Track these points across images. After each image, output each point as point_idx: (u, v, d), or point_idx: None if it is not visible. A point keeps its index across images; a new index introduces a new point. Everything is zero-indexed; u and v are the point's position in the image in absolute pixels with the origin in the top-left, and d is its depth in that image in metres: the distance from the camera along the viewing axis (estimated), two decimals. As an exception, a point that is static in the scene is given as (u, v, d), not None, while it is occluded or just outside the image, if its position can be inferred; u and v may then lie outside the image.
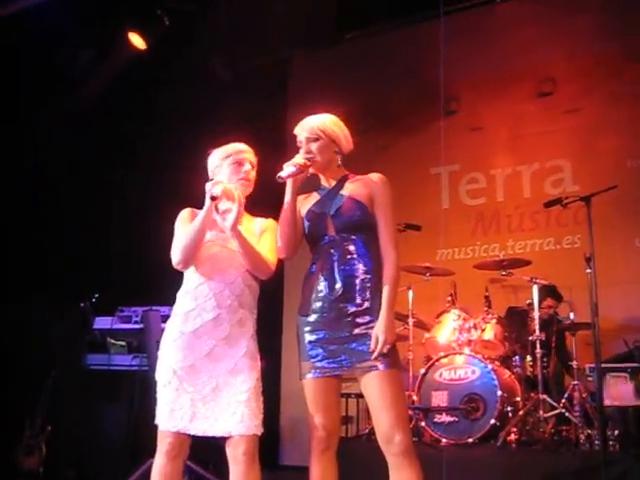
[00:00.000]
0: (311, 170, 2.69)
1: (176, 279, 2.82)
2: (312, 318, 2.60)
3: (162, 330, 2.78)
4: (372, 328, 2.52)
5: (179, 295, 2.77)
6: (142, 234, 5.48)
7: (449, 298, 5.17)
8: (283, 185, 2.64)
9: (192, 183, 3.05)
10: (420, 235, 5.27)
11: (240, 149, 2.86)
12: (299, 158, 2.63)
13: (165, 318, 3.06)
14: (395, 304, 2.55)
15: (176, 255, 2.68)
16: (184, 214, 2.82)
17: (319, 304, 2.58)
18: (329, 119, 2.73)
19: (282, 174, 2.57)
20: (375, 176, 2.72)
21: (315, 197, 2.77)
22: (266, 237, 2.80)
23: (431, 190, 6.37)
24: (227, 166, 2.82)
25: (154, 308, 5.10)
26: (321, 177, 2.79)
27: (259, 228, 2.84)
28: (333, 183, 2.75)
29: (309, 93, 6.06)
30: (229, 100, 6.33)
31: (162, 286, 3.57)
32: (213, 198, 2.63)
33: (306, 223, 2.71)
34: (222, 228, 2.70)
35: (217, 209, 2.68)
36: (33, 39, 5.65)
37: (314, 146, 2.67)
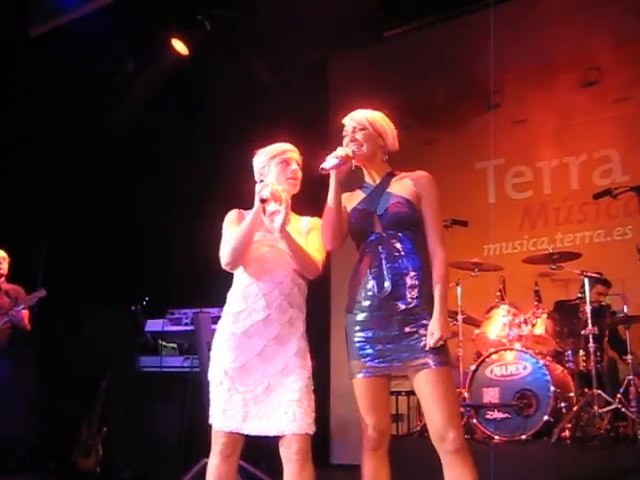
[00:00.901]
0: (354, 162, 2.70)
1: (225, 280, 2.85)
2: (361, 317, 2.60)
3: (212, 332, 2.81)
4: (422, 326, 2.52)
5: (229, 296, 2.79)
6: (191, 236, 5.51)
7: (498, 293, 5.12)
8: (327, 182, 2.65)
9: (239, 184, 3.08)
10: (467, 231, 5.29)
11: (285, 149, 2.88)
12: (342, 150, 2.64)
13: (215, 319, 3.09)
14: (447, 299, 2.56)
15: (225, 256, 2.71)
16: (232, 215, 2.84)
17: (368, 302, 2.59)
18: (379, 114, 2.76)
19: (325, 165, 2.58)
20: (421, 174, 2.72)
21: (360, 195, 2.78)
22: (313, 236, 2.81)
23: (477, 185, 6.33)
24: (274, 166, 2.84)
25: (204, 310, 5.13)
26: (365, 173, 2.80)
27: (306, 227, 2.86)
28: (378, 180, 2.76)
29: (351, 91, 6.01)
30: (272, 102, 6.37)
31: (211, 288, 3.61)
32: (262, 200, 2.65)
33: (352, 220, 2.71)
34: (270, 229, 2.72)
35: (265, 211, 2.69)
36: (77, 51, 5.80)
37: (360, 135, 2.69)
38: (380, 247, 2.61)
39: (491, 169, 6.32)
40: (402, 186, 2.70)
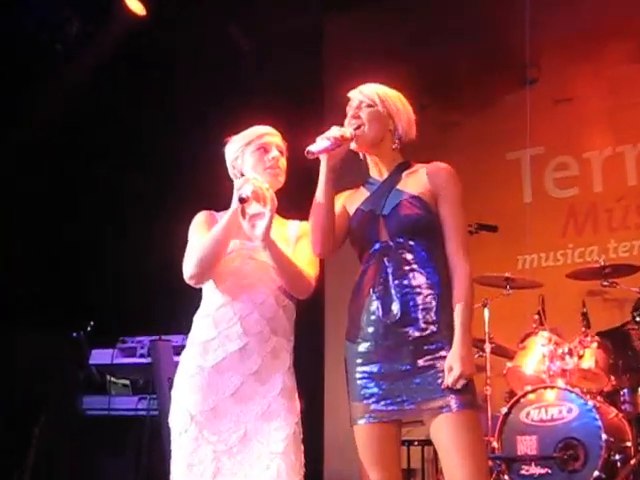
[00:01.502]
0: (355, 147, 2.73)
1: (192, 300, 2.87)
2: (364, 347, 2.61)
3: (175, 365, 2.83)
4: (441, 358, 2.52)
5: (196, 320, 2.80)
6: (149, 244, 5.54)
7: (536, 317, 5.12)
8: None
9: (209, 180, 3.18)
10: (497, 238, 5.25)
11: (263, 132, 2.92)
12: (337, 129, 2.66)
13: (179, 350, 3.12)
14: (471, 326, 2.57)
15: (189, 268, 2.73)
16: (201, 218, 2.88)
17: (371, 329, 2.59)
18: (395, 93, 2.79)
19: (313, 148, 2.61)
20: (440, 166, 2.74)
21: (363, 193, 2.80)
22: (303, 245, 2.83)
23: (509, 180, 6.37)
24: (250, 155, 2.88)
25: (164, 338, 5.14)
26: (370, 165, 2.82)
27: (294, 234, 2.89)
28: (386, 173, 2.78)
29: (349, 63, 6.03)
30: (251, 75, 6.45)
31: (174, 310, 3.65)
32: (242, 200, 2.66)
33: (353, 225, 2.75)
34: (250, 237, 2.74)
35: (244, 213, 2.71)
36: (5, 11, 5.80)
37: (365, 112, 2.73)
38: (386, 258, 2.62)
39: (527, 160, 6.33)
40: (415, 181, 2.72)
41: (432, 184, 2.69)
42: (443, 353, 2.52)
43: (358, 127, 2.70)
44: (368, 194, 2.78)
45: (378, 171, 2.80)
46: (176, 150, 6.37)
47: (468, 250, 2.64)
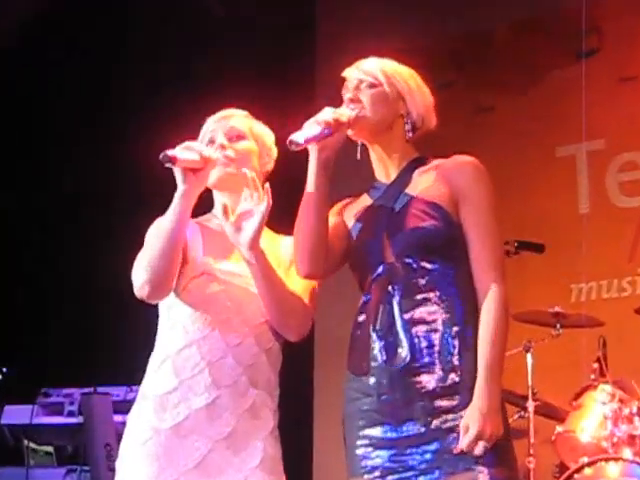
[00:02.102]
0: (354, 136, 2.74)
1: (142, 340, 2.91)
2: (364, 404, 2.61)
3: (117, 427, 2.86)
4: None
5: (150, 366, 2.82)
6: (84, 266, 5.54)
7: (595, 365, 5.07)
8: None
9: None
10: (543, 260, 5.34)
11: (212, 120, 3.00)
12: (330, 112, 2.65)
13: (123, 406, 3.10)
14: (502, 373, 2.55)
15: (139, 274, 2.77)
16: (157, 222, 2.93)
17: (373, 380, 2.60)
18: (406, 69, 2.80)
19: (297, 137, 2.61)
20: (461, 160, 2.75)
21: (366, 202, 2.81)
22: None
23: (559, 183, 6.34)
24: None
25: (100, 390, 5.01)
26: (376, 163, 2.83)
27: (287, 254, 2.90)
28: (394, 172, 2.78)
29: (349, 30, 6.06)
30: (227, 47, 6.46)
31: (116, 353, 3.60)
32: (167, 158, 2.69)
33: (352, 244, 2.76)
34: (234, 243, 2.76)
35: (227, 211, 2.76)
36: None
37: (366, 94, 2.73)
38: (392, 285, 2.64)
39: (583, 157, 6.33)
40: (430, 182, 2.72)
41: (452, 184, 2.69)
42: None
43: (358, 111, 2.70)
44: (371, 201, 2.79)
45: (384, 170, 2.80)
46: (125, 143, 6.34)
47: (503, 271, 2.63)
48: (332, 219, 2.76)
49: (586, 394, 5.03)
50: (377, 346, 2.59)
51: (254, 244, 2.69)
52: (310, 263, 2.69)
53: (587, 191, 6.34)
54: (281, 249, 2.93)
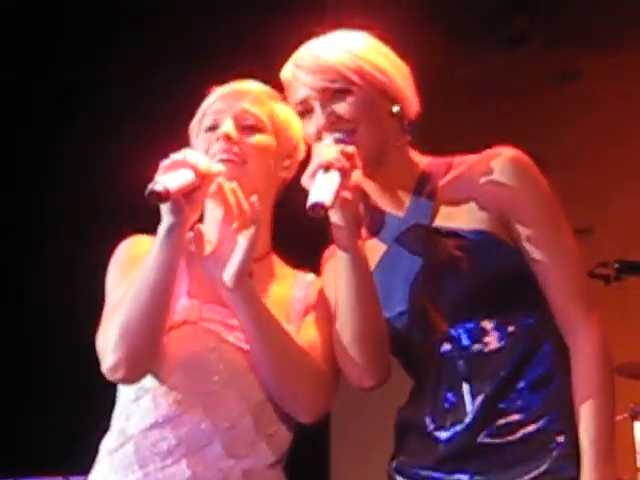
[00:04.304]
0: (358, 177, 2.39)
1: (92, 412, 2.78)
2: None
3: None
4: None
5: (102, 450, 2.49)
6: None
7: None
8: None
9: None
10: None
11: (216, 96, 2.66)
12: (329, 149, 2.33)
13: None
14: (613, 446, 2.35)
15: (109, 350, 2.40)
16: (128, 249, 2.63)
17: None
18: (365, 41, 2.51)
19: (318, 199, 2.22)
20: (497, 158, 2.45)
21: (377, 247, 2.53)
22: (319, 322, 2.55)
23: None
24: (201, 139, 2.64)
25: None
26: (379, 193, 2.55)
27: (302, 298, 2.60)
28: (407, 200, 2.52)
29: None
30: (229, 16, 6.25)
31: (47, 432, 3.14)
32: (156, 196, 2.24)
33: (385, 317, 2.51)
34: (215, 281, 2.44)
35: (201, 238, 2.42)
36: None
37: (343, 106, 2.42)
38: (461, 362, 2.38)
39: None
40: (462, 199, 2.46)
41: (494, 194, 2.41)
42: None
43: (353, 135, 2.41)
44: (385, 247, 2.51)
45: (391, 197, 2.53)
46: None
47: (589, 299, 2.38)
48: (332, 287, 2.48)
49: None
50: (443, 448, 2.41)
51: (240, 281, 2.37)
52: (376, 370, 2.41)
53: None
54: (294, 292, 2.62)
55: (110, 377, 2.43)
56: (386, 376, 2.45)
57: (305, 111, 2.49)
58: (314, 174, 2.28)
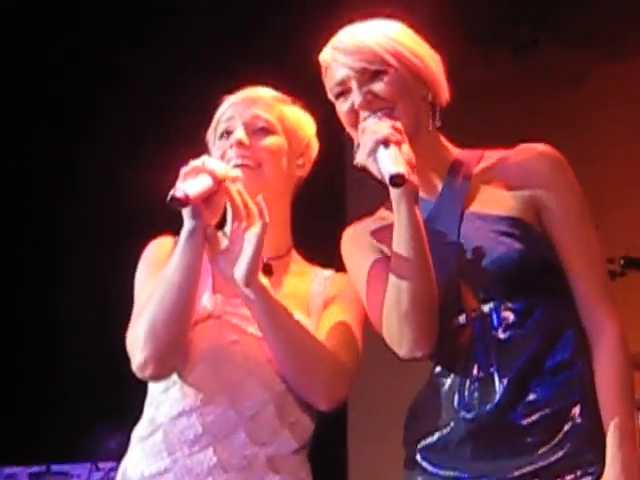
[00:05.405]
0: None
1: (119, 401, 2.97)
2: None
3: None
4: None
5: (134, 438, 2.59)
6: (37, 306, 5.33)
7: None
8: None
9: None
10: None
11: (229, 103, 2.75)
12: (385, 126, 2.34)
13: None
14: (636, 431, 2.33)
15: (138, 349, 2.50)
16: (155, 251, 2.73)
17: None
18: (399, 30, 2.51)
19: (401, 171, 2.23)
20: (533, 152, 2.49)
21: None
22: (336, 314, 2.63)
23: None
24: (217, 147, 2.73)
25: (55, 469, 4.64)
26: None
27: (321, 293, 2.69)
28: (439, 184, 2.52)
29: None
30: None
31: (75, 420, 3.25)
32: (176, 201, 2.35)
33: None
34: (225, 277, 2.53)
35: (215, 237, 2.52)
36: None
37: (381, 85, 2.42)
38: (482, 340, 2.40)
39: None
40: (497, 187, 2.48)
41: (527, 185, 2.44)
42: None
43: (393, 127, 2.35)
44: None
45: (423, 180, 2.47)
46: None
47: (611, 292, 2.43)
48: (372, 257, 2.49)
49: None
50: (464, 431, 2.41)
51: (251, 279, 2.45)
52: (428, 339, 2.41)
53: None
54: (312, 287, 2.71)
55: (139, 374, 2.52)
56: (434, 349, 2.46)
57: (342, 92, 2.49)
58: (373, 151, 2.31)
